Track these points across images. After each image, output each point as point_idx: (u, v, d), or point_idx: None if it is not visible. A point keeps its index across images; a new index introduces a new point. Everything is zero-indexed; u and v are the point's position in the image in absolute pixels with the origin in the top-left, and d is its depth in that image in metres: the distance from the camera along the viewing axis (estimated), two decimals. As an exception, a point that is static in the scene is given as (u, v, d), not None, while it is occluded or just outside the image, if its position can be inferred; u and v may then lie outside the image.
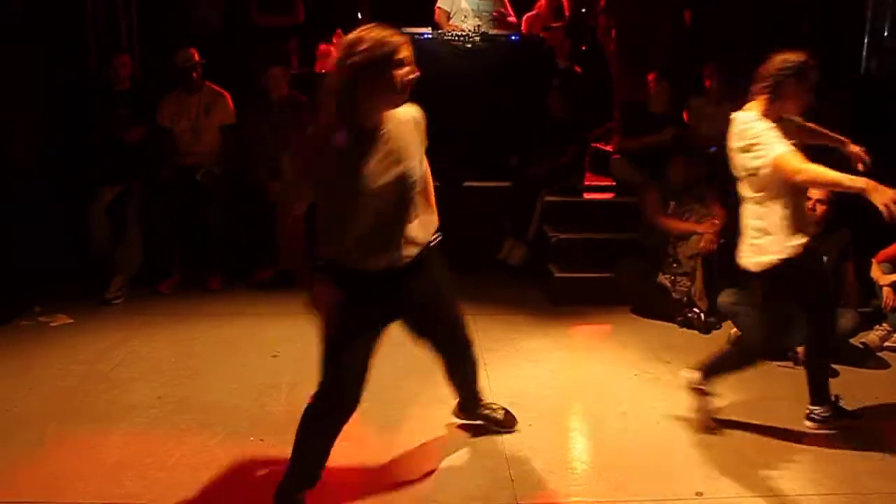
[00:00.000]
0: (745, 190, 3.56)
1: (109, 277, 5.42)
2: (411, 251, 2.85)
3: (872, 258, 4.76)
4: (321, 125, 2.68)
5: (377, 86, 2.59)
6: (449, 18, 6.66)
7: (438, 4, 6.53)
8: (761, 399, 4.06)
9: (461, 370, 3.45)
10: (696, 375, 3.70)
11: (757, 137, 3.36)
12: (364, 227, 2.72)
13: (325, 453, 2.96)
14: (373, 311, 2.89)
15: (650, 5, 6.80)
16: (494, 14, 6.56)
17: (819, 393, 3.69)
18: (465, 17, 6.52)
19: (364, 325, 2.88)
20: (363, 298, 2.82)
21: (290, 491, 2.97)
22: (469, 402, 3.61)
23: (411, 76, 2.64)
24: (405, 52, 2.62)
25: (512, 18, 6.80)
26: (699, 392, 3.71)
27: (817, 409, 3.68)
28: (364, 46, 2.56)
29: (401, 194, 2.75)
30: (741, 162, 3.49)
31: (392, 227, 2.79)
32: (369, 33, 2.59)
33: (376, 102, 2.65)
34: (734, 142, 3.51)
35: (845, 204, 4.38)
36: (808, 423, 3.70)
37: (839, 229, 4.66)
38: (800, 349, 4.47)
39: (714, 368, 3.70)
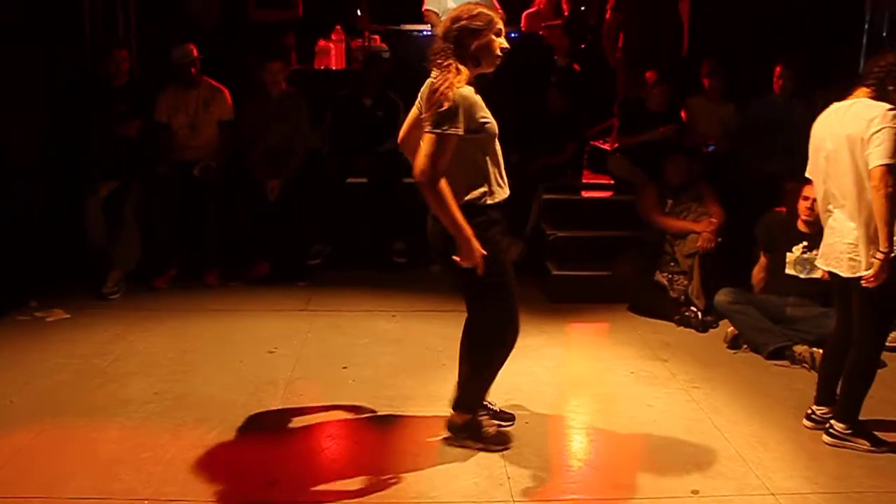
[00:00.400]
0: (849, 183, 3.41)
1: (106, 272, 5.40)
2: None
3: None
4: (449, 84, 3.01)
5: (480, 48, 3.06)
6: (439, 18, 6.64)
7: (427, 7, 6.51)
8: (757, 397, 4.07)
9: None
10: (841, 424, 3.55)
11: (884, 132, 3.26)
12: (497, 161, 3.20)
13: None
14: (507, 235, 3.33)
15: (656, 5, 6.82)
16: None
17: (850, 411, 3.56)
18: None
19: (507, 248, 3.30)
20: (501, 226, 3.24)
21: (471, 418, 3.43)
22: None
23: (505, 45, 3.12)
24: (501, 25, 3.12)
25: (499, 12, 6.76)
26: (851, 439, 3.53)
27: (839, 427, 3.56)
28: (470, 16, 3.06)
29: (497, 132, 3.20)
30: (857, 152, 3.34)
31: (502, 163, 3.25)
32: (474, 7, 3.10)
33: (480, 61, 3.10)
34: (849, 130, 3.37)
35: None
36: (825, 438, 3.58)
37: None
38: (797, 348, 4.48)
39: (850, 409, 3.54)
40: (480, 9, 3.11)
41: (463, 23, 3.06)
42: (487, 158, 3.16)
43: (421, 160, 2.99)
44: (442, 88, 2.99)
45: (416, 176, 3.02)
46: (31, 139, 5.57)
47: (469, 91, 3.04)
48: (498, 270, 3.18)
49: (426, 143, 2.99)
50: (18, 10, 5.33)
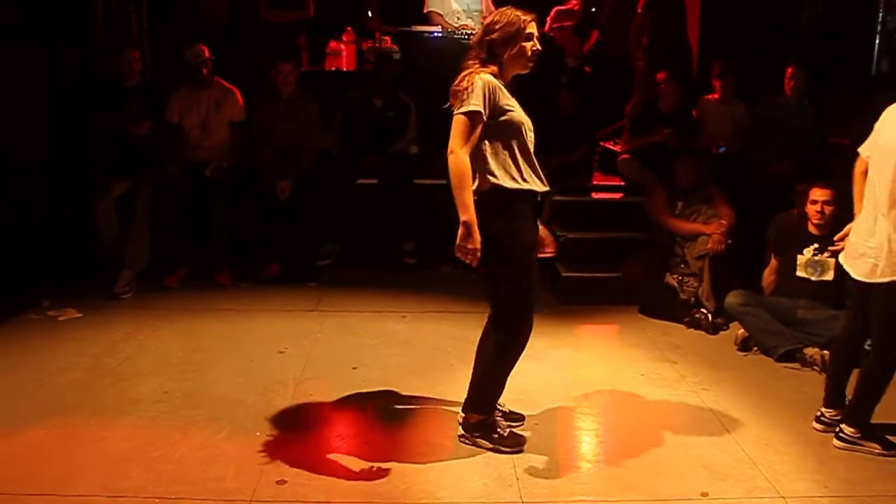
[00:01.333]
0: (886, 188, 3.32)
1: (118, 272, 5.43)
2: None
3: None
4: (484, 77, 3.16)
5: (511, 57, 3.20)
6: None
7: (431, 9, 6.49)
8: (766, 399, 4.06)
9: None
10: (851, 429, 3.51)
11: None
12: (526, 152, 3.26)
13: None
14: (535, 230, 3.34)
15: (677, 6, 6.83)
16: (483, 20, 6.52)
17: (861, 415, 3.52)
18: (459, 18, 6.51)
19: (534, 244, 3.32)
20: (526, 220, 3.27)
21: (484, 418, 3.47)
22: None
23: (536, 48, 3.24)
24: (532, 28, 3.23)
25: None
26: (861, 443, 3.50)
27: (850, 430, 3.53)
28: (501, 25, 3.19)
29: (530, 133, 3.30)
30: None
31: (534, 158, 3.30)
32: (505, 15, 3.21)
33: (512, 67, 3.25)
34: None
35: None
36: (836, 442, 3.55)
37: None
38: (808, 350, 4.47)
39: (862, 413, 3.50)
40: (511, 15, 3.21)
41: (494, 35, 3.19)
42: (513, 147, 3.22)
43: (450, 141, 3.13)
44: (462, 74, 3.18)
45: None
46: (41, 134, 5.60)
47: (491, 77, 3.15)
48: (512, 263, 3.23)
49: (453, 125, 3.13)
50: (21, 10, 5.35)
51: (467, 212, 3.10)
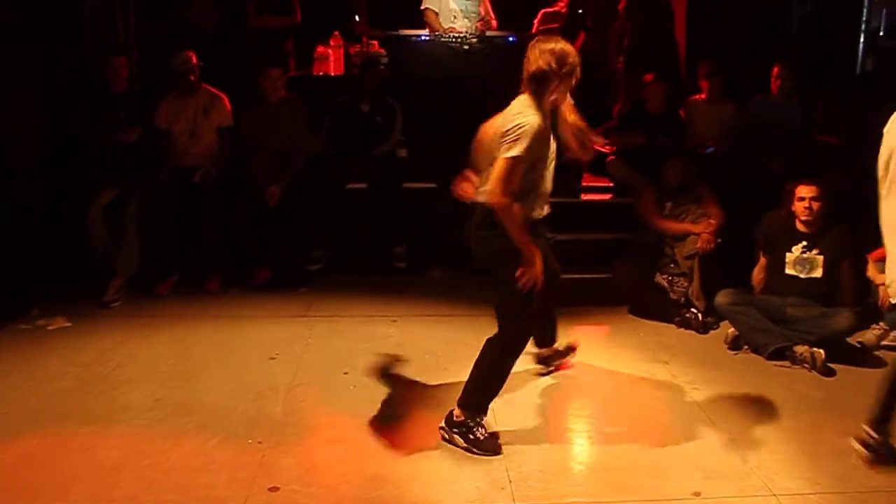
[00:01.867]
0: None
1: (108, 280, 5.40)
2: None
3: (868, 256, 4.73)
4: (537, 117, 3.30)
5: (558, 87, 3.32)
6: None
7: (426, 5, 6.49)
8: (759, 398, 4.07)
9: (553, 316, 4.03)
10: (873, 433, 3.37)
11: None
12: (546, 185, 3.48)
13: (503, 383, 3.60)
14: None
15: (661, 8, 6.85)
16: (479, 25, 6.51)
17: (884, 420, 3.39)
18: (455, 17, 6.49)
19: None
20: (537, 241, 3.45)
21: (474, 421, 3.49)
22: (547, 343, 4.25)
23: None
24: (577, 63, 3.34)
25: (494, 22, 6.74)
26: (878, 450, 3.37)
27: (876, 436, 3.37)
28: (560, 64, 3.27)
29: (554, 161, 3.50)
30: None
31: (548, 187, 3.53)
32: (567, 51, 3.30)
33: (557, 98, 3.36)
34: None
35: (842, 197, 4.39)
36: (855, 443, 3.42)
37: (838, 225, 4.65)
38: (798, 348, 4.48)
39: (884, 417, 3.38)
40: (566, 51, 3.29)
41: (566, 69, 3.28)
42: (534, 177, 3.38)
43: (492, 183, 3.26)
44: (515, 116, 3.28)
45: (488, 196, 3.30)
46: (30, 141, 5.58)
47: (539, 119, 3.26)
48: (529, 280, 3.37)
49: (496, 166, 3.26)
50: (18, 11, 5.34)
51: (526, 246, 3.30)
